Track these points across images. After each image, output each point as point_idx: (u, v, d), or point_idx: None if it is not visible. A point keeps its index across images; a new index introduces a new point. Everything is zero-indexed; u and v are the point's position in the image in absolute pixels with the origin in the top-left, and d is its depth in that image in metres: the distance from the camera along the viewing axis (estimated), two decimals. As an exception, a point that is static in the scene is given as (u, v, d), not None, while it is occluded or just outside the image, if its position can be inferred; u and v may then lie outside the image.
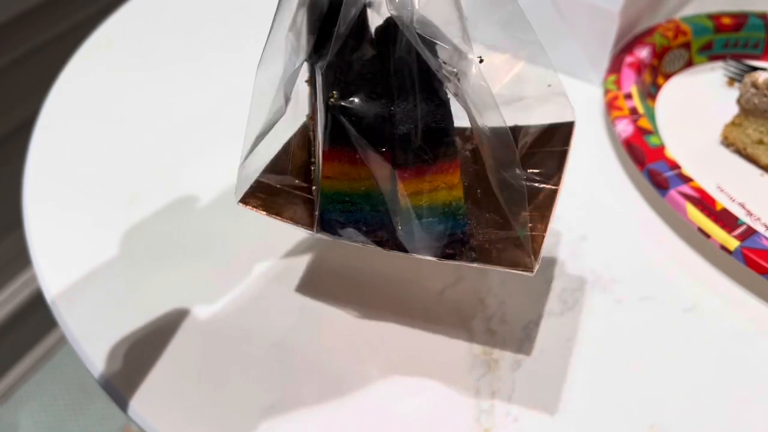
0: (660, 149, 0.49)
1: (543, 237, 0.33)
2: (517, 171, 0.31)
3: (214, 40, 0.66)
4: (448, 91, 0.30)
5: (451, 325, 0.42)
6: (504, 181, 0.31)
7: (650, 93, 0.57)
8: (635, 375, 0.39)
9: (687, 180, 0.46)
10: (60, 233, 0.48)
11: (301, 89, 0.35)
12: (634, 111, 0.52)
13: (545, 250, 0.45)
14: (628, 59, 0.57)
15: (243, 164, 0.35)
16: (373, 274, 0.45)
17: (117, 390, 0.39)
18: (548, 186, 0.35)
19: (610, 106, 0.53)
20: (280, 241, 0.46)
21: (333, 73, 0.30)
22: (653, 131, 0.50)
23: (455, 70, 0.29)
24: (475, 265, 0.33)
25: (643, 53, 0.57)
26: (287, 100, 0.33)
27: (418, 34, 0.28)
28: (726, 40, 0.61)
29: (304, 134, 0.37)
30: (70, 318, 0.43)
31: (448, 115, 0.31)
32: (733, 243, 0.42)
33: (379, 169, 0.32)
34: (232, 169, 0.46)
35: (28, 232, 0.48)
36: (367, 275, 0.45)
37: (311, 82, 0.34)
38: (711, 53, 0.61)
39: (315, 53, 0.31)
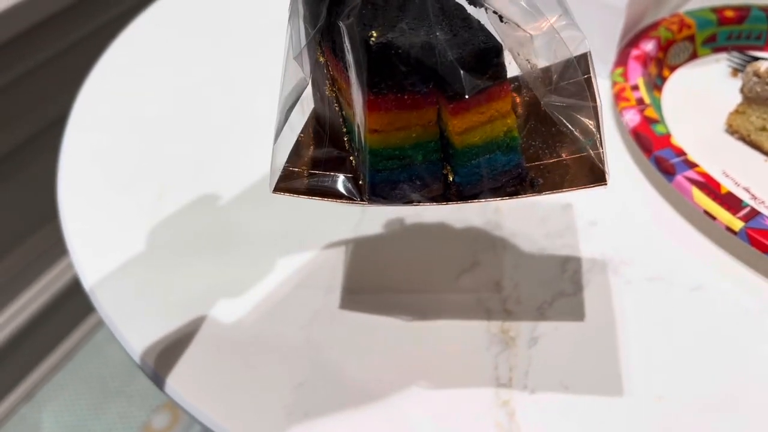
0: (666, 137, 0.50)
1: (602, 151, 0.32)
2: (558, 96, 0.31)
3: (239, 40, 0.68)
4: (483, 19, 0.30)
5: (469, 307, 0.44)
6: (553, 104, 0.31)
7: (656, 84, 0.59)
8: (643, 350, 0.41)
9: (692, 165, 0.48)
10: (94, 225, 0.51)
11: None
12: (640, 101, 0.54)
13: (558, 234, 0.47)
14: (634, 52, 0.59)
15: (276, 144, 0.33)
16: (392, 263, 0.47)
17: (153, 369, 0.41)
18: (588, 104, 0.33)
19: (618, 97, 0.55)
20: (306, 234, 0.49)
21: (362, 16, 0.28)
22: (659, 120, 0.52)
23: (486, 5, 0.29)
24: (544, 194, 0.32)
25: (648, 46, 0.59)
26: (306, 68, 0.31)
27: None
28: (729, 33, 0.63)
29: (321, 115, 0.35)
30: (106, 302, 0.45)
31: (491, 36, 0.29)
32: (737, 224, 0.44)
33: (430, 108, 0.30)
34: (257, 165, 0.49)
35: (64, 225, 0.51)
36: (386, 264, 0.47)
37: (327, 47, 0.31)
38: (715, 45, 0.63)
39: (334, 10, 0.29)
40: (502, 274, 0.46)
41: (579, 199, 0.50)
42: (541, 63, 0.32)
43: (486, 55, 0.29)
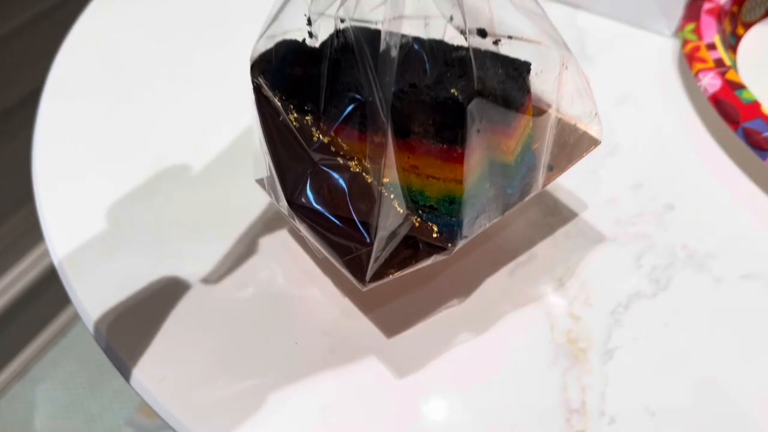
0: (755, 105, 0.43)
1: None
2: None
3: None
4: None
5: (528, 310, 0.36)
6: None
7: (730, 44, 0.51)
8: (748, 367, 0.34)
9: (791, 140, 0.40)
10: (71, 205, 0.43)
11: None
12: (720, 63, 0.46)
13: (630, 220, 0.40)
14: (707, 5, 0.50)
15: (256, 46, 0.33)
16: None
17: (126, 366, 0.34)
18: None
19: (692, 57, 0.47)
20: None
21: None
22: (744, 85, 0.44)
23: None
24: (562, 173, 0.35)
25: (722, -1, 0.51)
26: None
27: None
28: (812, -16, 0.54)
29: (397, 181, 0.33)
30: (80, 290, 0.38)
31: (513, 59, 0.32)
32: None
33: (492, 140, 0.31)
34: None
35: (39, 203, 0.43)
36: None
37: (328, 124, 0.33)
38: (794, -1, 0.55)
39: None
40: (566, 269, 0.38)
41: (650, 179, 0.43)
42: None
43: (524, 72, 0.32)
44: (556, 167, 0.36)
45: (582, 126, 0.36)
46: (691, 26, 0.49)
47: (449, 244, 0.32)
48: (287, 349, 0.35)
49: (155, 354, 0.35)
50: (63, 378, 1.20)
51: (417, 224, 0.33)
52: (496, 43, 0.32)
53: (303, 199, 0.33)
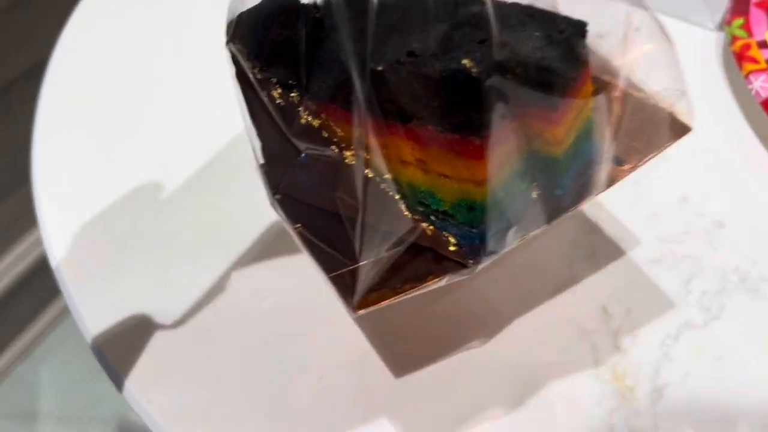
0: (813, 113, 0.39)
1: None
2: None
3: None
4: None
5: (569, 341, 0.34)
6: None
7: (779, 39, 0.47)
8: (810, 409, 0.31)
9: None
10: (73, 212, 0.40)
11: None
12: (773, 64, 0.42)
13: (676, 239, 0.37)
14: (756, -3, 0.47)
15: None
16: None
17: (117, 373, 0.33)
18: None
19: (741, 57, 0.43)
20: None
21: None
22: (800, 89, 0.41)
23: None
24: (638, 167, 0.28)
25: (772, -10, 0.47)
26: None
27: None
28: None
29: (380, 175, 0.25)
30: (74, 289, 0.37)
31: (568, 19, 0.24)
32: None
33: (526, 128, 0.24)
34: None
35: (36, 189, 0.42)
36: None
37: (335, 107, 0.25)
38: None
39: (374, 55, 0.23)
40: (610, 295, 0.35)
41: (696, 193, 0.39)
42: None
43: (576, 40, 0.24)
44: (627, 160, 0.28)
45: (664, 105, 0.28)
46: (739, 21, 0.46)
47: (470, 261, 0.25)
48: (311, 385, 0.33)
49: (157, 378, 0.33)
50: (67, 358, 1.19)
51: (429, 234, 0.26)
52: None
53: (287, 197, 0.27)
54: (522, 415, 0.32)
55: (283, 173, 0.27)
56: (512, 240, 0.26)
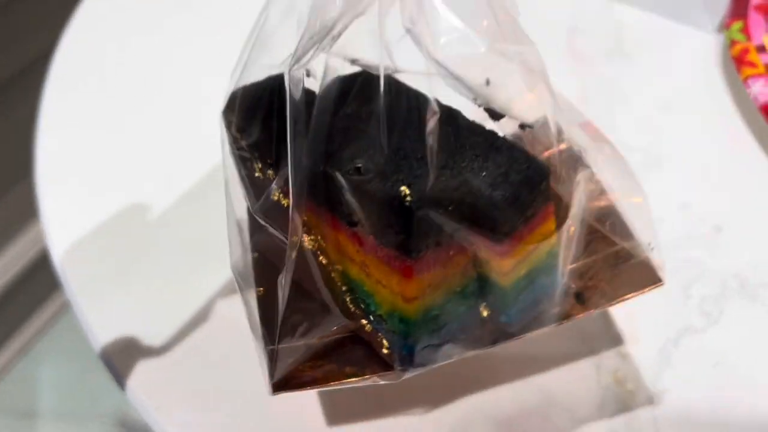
0: (812, 118, 0.40)
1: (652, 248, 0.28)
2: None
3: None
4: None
5: (572, 347, 0.34)
6: (605, 211, 0.27)
7: (778, 42, 0.48)
8: (808, 414, 0.32)
9: None
10: (78, 219, 0.40)
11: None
12: (772, 68, 0.43)
13: (676, 244, 0.37)
14: (755, 0, 0.47)
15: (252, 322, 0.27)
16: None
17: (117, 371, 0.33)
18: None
19: (740, 61, 0.44)
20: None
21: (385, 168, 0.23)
22: (799, 94, 0.41)
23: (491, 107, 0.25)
24: (600, 309, 0.28)
25: (771, -7, 0.47)
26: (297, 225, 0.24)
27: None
28: None
29: (311, 265, 0.26)
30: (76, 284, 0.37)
31: (528, 155, 0.25)
32: None
33: (468, 255, 0.25)
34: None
35: (38, 185, 0.42)
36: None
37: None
38: None
39: (326, 161, 0.24)
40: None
41: (695, 198, 0.40)
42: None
43: (534, 182, 0.24)
44: (590, 300, 0.27)
45: (637, 253, 0.28)
46: (738, 25, 0.46)
47: (399, 368, 0.25)
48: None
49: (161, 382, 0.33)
50: (66, 355, 1.19)
51: (368, 330, 0.26)
52: (522, 128, 0.24)
53: (262, 256, 0.27)
54: (522, 420, 0.32)
55: (255, 230, 0.28)
56: (449, 355, 0.26)
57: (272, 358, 0.25)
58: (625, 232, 0.28)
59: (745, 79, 0.43)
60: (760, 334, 0.34)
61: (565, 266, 0.27)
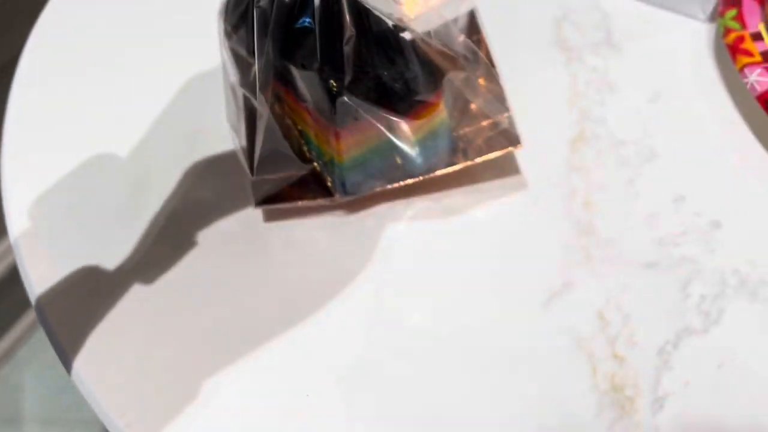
0: (810, 108, 0.38)
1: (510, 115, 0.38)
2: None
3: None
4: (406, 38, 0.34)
5: (565, 350, 0.33)
6: (469, 81, 0.36)
7: (772, 30, 0.46)
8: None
9: None
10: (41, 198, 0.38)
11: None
12: None
13: (673, 240, 0.36)
14: (748, -13, 0.45)
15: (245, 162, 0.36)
16: (455, 283, 0.35)
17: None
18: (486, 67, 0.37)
19: (735, 50, 0.42)
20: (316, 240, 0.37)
21: (321, 67, 0.33)
22: (796, 83, 0.40)
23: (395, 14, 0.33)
24: (472, 162, 0.37)
25: (764, -21, 0.46)
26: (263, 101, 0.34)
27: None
28: None
29: (276, 127, 0.36)
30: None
31: (425, 60, 0.34)
32: None
33: (382, 125, 0.35)
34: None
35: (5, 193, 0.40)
36: (448, 284, 0.35)
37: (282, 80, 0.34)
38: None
39: (283, 57, 0.33)
40: (606, 300, 0.34)
41: (692, 192, 0.38)
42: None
43: (431, 73, 0.35)
44: (470, 154, 0.38)
45: (502, 120, 0.38)
46: (732, 12, 0.44)
47: (338, 195, 0.36)
48: (297, 402, 0.31)
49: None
50: (50, 361, 1.16)
51: (318, 170, 0.37)
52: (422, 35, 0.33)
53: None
54: (518, 429, 0.31)
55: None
56: (372, 187, 0.37)
57: (254, 184, 0.36)
58: (495, 109, 0.37)
59: (741, 68, 0.41)
60: (763, 332, 0.33)
61: (454, 132, 0.37)
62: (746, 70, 0.41)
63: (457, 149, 0.38)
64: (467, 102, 0.37)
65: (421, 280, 0.36)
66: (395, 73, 0.34)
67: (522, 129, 0.38)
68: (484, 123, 0.38)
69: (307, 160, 0.37)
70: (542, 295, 0.35)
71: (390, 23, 0.33)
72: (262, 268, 0.36)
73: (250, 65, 0.33)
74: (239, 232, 0.37)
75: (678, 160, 0.40)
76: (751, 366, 0.32)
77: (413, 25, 0.33)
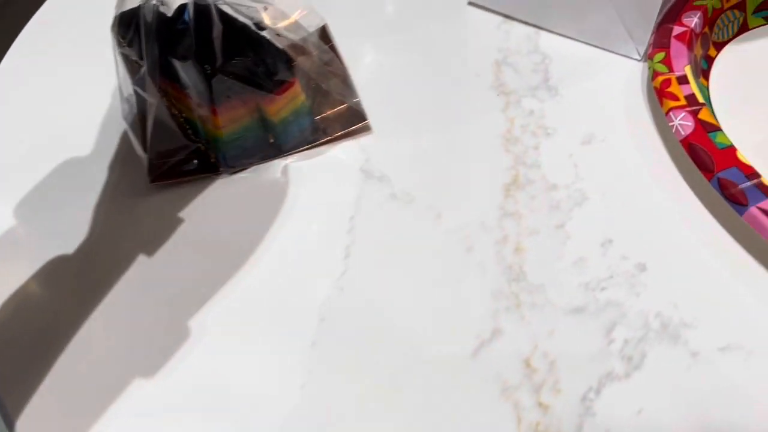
0: (730, 151, 0.40)
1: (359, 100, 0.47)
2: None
3: None
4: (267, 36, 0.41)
5: (491, 399, 0.34)
6: (323, 73, 0.45)
7: (702, 69, 0.48)
8: (728, 460, 0.32)
9: (770, 192, 0.37)
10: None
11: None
12: (692, 100, 0.42)
13: (600, 284, 0.37)
14: (677, 29, 0.47)
15: (137, 146, 0.43)
16: (387, 331, 0.36)
17: None
18: (339, 66, 0.47)
19: (662, 93, 0.44)
20: (266, 282, 0.37)
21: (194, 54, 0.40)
22: (719, 126, 0.41)
23: (257, 18, 0.41)
24: (329, 138, 0.45)
25: (693, 21, 0.47)
26: (152, 90, 0.41)
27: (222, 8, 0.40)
28: (786, -4, 0.51)
29: (165, 112, 0.42)
30: None
31: (279, 49, 0.41)
32: (838, 279, 0.34)
33: (251, 105, 0.42)
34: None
35: None
36: (381, 332, 0.36)
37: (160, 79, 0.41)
38: (768, 13, 0.52)
39: (167, 54, 0.40)
40: (534, 348, 0.35)
41: (620, 234, 0.40)
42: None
43: (286, 60, 0.42)
44: (329, 132, 0.45)
45: (351, 104, 0.46)
46: (660, 55, 0.46)
47: (221, 169, 0.44)
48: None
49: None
50: None
51: (203, 149, 0.44)
52: (279, 33, 0.41)
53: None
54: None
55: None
56: (251, 162, 0.44)
57: (150, 165, 0.42)
58: (347, 94, 0.46)
59: (667, 111, 0.43)
60: (681, 377, 0.34)
61: (316, 115, 0.45)
62: (672, 114, 0.42)
63: (318, 129, 0.45)
64: (319, 86, 0.45)
65: (364, 330, 0.37)
66: (257, 59, 0.40)
67: (459, 174, 0.43)
68: (339, 107, 0.46)
69: (193, 143, 0.43)
70: (472, 342, 0.36)
71: (252, 24, 0.40)
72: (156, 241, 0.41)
73: (140, 66, 0.40)
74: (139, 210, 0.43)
75: (607, 203, 0.41)
76: (668, 411, 0.33)
77: (270, 28, 0.41)
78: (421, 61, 0.51)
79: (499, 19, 0.54)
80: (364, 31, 0.53)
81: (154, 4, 0.40)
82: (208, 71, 0.40)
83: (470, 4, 0.55)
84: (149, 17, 0.39)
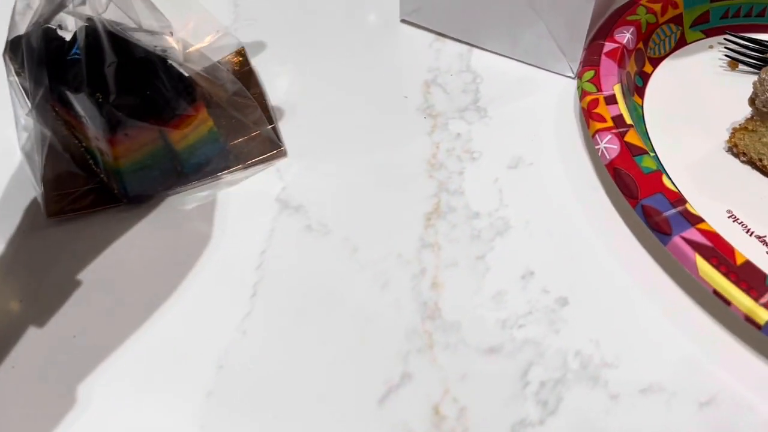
0: (656, 175, 0.38)
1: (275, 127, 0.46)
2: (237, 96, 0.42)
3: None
4: (169, 60, 0.39)
5: (396, 452, 0.31)
6: (233, 102, 0.42)
7: (636, 86, 0.46)
8: None
9: (695, 220, 0.35)
10: None
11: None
12: (620, 121, 0.41)
13: (517, 321, 0.35)
14: (608, 46, 0.45)
15: (35, 180, 0.41)
16: (289, 378, 0.34)
17: None
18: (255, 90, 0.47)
19: (589, 114, 0.42)
20: (177, 340, 0.35)
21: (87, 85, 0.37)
22: (646, 149, 0.39)
23: (161, 45, 0.39)
24: (242, 165, 0.43)
25: (625, 36, 0.46)
26: (46, 122, 0.39)
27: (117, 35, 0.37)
28: (726, 9, 0.49)
29: (59, 145, 0.41)
30: None
31: (183, 75, 0.39)
32: (763, 314, 0.32)
33: (152, 133, 0.39)
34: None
35: None
36: (282, 379, 0.34)
37: (55, 106, 0.39)
38: (707, 27, 0.50)
39: (59, 84, 0.37)
40: (444, 393, 0.33)
41: (542, 266, 0.37)
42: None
43: (188, 90, 0.39)
44: (242, 159, 0.43)
45: (264, 132, 0.44)
46: (589, 74, 0.44)
47: (125, 201, 0.41)
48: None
49: None
50: None
51: (105, 180, 0.41)
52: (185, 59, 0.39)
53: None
54: None
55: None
56: (155, 192, 0.42)
57: (46, 199, 0.40)
58: (260, 122, 0.43)
59: (594, 133, 0.41)
60: (599, 424, 0.32)
61: (225, 141, 0.43)
62: (598, 136, 0.40)
63: (229, 156, 0.43)
64: (230, 113, 0.43)
65: (263, 378, 0.34)
66: (155, 90, 0.38)
67: (379, 203, 0.41)
68: (253, 134, 0.44)
69: (94, 174, 0.42)
70: (380, 388, 0.33)
71: (154, 51, 0.38)
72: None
73: (35, 95, 0.38)
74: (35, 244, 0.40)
75: (531, 231, 0.39)
76: (585, 459, 0.31)
77: (175, 55, 0.39)
78: (348, 82, 0.48)
79: (432, 37, 0.52)
80: (285, 52, 0.51)
81: (45, 30, 0.37)
82: (101, 101, 0.37)
83: (403, 21, 0.53)
84: (40, 43, 0.37)
